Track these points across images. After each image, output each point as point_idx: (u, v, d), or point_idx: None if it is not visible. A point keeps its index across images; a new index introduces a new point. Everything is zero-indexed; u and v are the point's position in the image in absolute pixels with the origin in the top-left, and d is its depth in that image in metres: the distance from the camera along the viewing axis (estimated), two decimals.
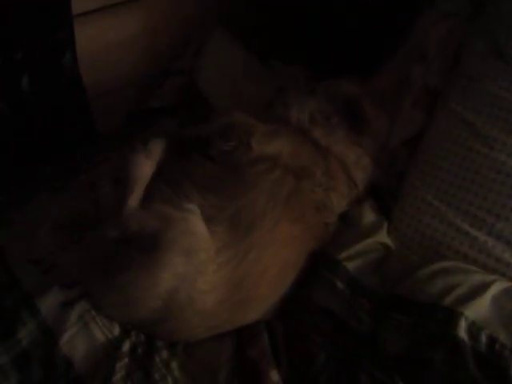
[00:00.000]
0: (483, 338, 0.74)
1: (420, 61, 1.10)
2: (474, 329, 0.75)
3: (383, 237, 0.94)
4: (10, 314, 0.81)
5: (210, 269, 0.79)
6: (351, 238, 0.92)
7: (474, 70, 0.99)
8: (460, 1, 1.08)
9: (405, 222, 0.96)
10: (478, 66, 0.99)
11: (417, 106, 1.08)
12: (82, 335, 0.79)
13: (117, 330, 0.81)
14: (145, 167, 0.87)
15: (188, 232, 0.79)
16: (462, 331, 0.75)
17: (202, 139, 0.95)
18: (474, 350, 0.73)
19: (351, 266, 0.88)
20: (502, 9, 0.98)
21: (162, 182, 0.88)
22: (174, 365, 0.79)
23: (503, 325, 0.76)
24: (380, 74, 1.20)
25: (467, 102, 0.97)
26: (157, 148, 0.89)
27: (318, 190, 0.92)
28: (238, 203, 0.85)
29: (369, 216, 0.97)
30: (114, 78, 1.31)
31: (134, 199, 0.84)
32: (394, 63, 1.18)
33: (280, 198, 0.87)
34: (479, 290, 0.79)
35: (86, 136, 1.16)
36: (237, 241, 0.82)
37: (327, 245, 0.92)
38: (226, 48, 1.36)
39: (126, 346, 0.80)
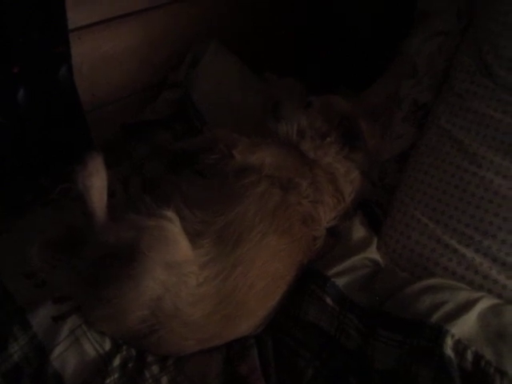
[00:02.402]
0: (469, 356, 0.76)
1: (410, 77, 1.13)
2: (461, 346, 0.76)
3: (373, 253, 0.95)
4: (1, 328, 0.82)
5: (195, 281, 0.80)
6: (341, 253, 0.94)
7: (462, 87, 1.01)
8: (450, 19, 1.10)
9: (394, 238, 0.97)
10: (466, 84, 1.01)
11: (407, 121, 1.10)
12: (73, 350, 0.80)
13: (108, 345, 0.83)
14: (91, 182, 0.86)
15: (164, 239, 0.80)
16: (449, 348, 0.76)
17: (189, 154, 0.97)
18: (460, 367, 0.75)
19: (340, 282, 0.89)
20: (489, 29, 1.00)
21: (150, 197, 0.89)
22: (164, 380, 0.81)
23: (489, 342, 0.77)
24: (371, 88, 1.23)
25: (456, 120, 1.00)
26: (95, 162, 0.87)
27: (304, 202, 0.94)
28: (226, 218, 0.87)
29: (359, 232, 0.98)
30: (112, 89, 1.33)
31: (98, 213, 0.85)
32: (385, 78, 1.21)
33: (267, 212, 0.89)
34: (466, 307, 0.81)
35: (82, 148, 1.18)
36: (224, 255, 0.84)
37: (316, 259, 0.93)
38: (221, 61, 1.38)
39: (117, 361, 0.81)
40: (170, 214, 0.83)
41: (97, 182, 0.86)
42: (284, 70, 1.51)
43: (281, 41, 1.65)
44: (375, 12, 1.41)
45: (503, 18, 0.98)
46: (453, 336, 0.76)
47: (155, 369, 0.82)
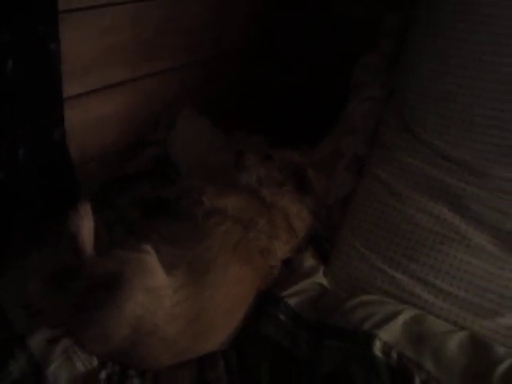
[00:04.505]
0: (394, 355, 0.92)
1: (350, 134, 1.35)
2: (387, 347, 0.93)
3: (320, 278, 1.13)
4: (2, 351, 0.95)
5: (169, 303, 0.95)
6: (293, 279, 1.11)
7: (388, 141, 1.23)
8: (377, 87, 1.35)
9: (338, 265, 1.15)
10: (391, 138, 1.22)
11: (349, 170, 1.32)
12: (65, 367, 0.92)
13: (95, 362, 0.95)
14: (81, 224, 1.01)
15: (143, 268, 0.95)
16: (377, 350, 0.92)
17: (166, 201, 1.16)
18: (387, 364, 0.91)
19: (292, 301, 1.05)
20: (408, 95, 1.24)
21: (132, 237, 1.06)
22: None
23: (410, 343, 0.94)
24: (321, 144, 1.45)
25: (384, 167, 1.20)
26: (84, 207, 1.04)
27: (262, 237, 1.11)
28: (195, 251, 1.03)
29: (309, 261, 1.16)
30: (98, 147, 1.49)
31: (87, 250, 1.00)
32: (331, 135, 1.43)
33: (230, 245, 1.06)
34: (392, 317, 0.98)
35: (71, 198, 1.34)
36: (193, 281, 0.99)
37: (272, 285, 1.10)
38: (193, 123, 1.59)
39: (103, 375, 0.93)
40: (148, 248, 0.99)
41: (86, 224, 1.03)
42: (254, 129, 1.73)
43: (253, 104, 1.87)
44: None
45: (417, 89, 1.22)
46: (380, 339, 0.93)
47: (136, 381, 0.94)
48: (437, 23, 1.20)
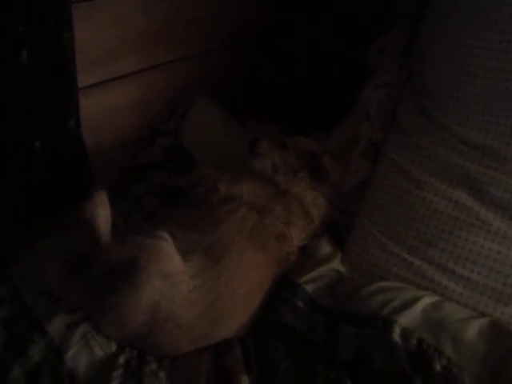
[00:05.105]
0: (413, 340, 0.91)
1: (366, 120, 1.34)
2: (407, 333, 0.92)
3: (337, 264, 1.12)
4: (22, 337, 0.96)
5: (186, 289, 0.95)
6: (310, 265, 1.10)
7: (406, 126, 1.21)
8: (393, 72, 1.33)
9: (355, 252, 1.14)
10: (408, 124, 1.20)
11: (364, 157, 1.30)
12: (84, 352, 0.94)
13: (114, 347, 0.96)
14: (97, 211, 1.02)
15: (159, 254, 0.95)
16: (397, 335, 0.91)
17: (182, 189, 1.16)
18: (407, 349, 0.90)
19: (309, 288, 1.05)
20: (425, 79, 1.22)
21: (148, 224, 1.06)
22: (162, 375, 0.94)
23: (430, 329, 0.93)
24: (336, 131, 1.44)
25: (402, 153, 1.18)
26: (100, 195, 1.04)
27: (277, 223, 1.11)
28: (211, 237, 1.03)
29: (325, 248, 1.15)
30: (112, 138, 1.50)
31: (104, 237, 1.00)
32: (346, 122, 1.41)
33: (245, 231, 1.05)
34: (411, 303, 0.97)
35: (86, 189, 1.35)
36: (210, 267, 0.99)
37: (289, 271, 1.10)
38: (207, 112, 1.59)
39: (121, 360, 0.94)
40: (164, 234, 0.99)
41: (102, 211, 1.03)
42: (265, 118, 1.72)
43: (263, 93, 1.86)
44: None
45: (434, 72, 1.20)
46: (400, 325, 0.92)
47: (154, 366, 0.95)
48: (454, 3, 1.17)
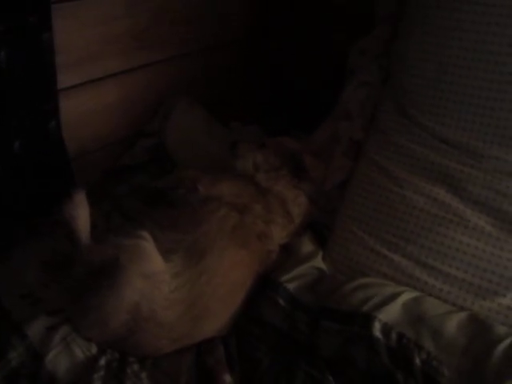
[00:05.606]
0: (394, 336, 0.92)
1: (346, 119, 1.35)
2: (387, 328, 0.92)
3: (318, 262, 1.12)
4: (1, 340, 0.94)
5: (167, 288, 0.95)
6: (292, 264, 1.11)
7: (385, 125, 1.22)
8: (374, 72, 1.34)
9: (336, 249, 1.15)
10: (387, 123, 1.22)
11: (345, 156, 1.31)
12: (65, 354, 0.92)
13: (94, 349, 0.95)
14: (76, 212, 1.01)
15: (140, 254, 0.95)
16: (377, 331, 0.92)
17: (163, 191, 1.16)
18: (387, 345, 0.91)
19: (291, 286, 1.05)
20: (404, 79, 1.24)
21: (130, 224, 1.06)
22: (144, 375, 0.93)
23: (410, 324, 0.93)
24: (317, 131, 1.45)
25: (381, 151, 1.20)
26: (79, 196, 1.03)
27: (258, 221, 1.11)
28: (192, 237, 1.03)
29: (307, 246, 1.16)
30: (94, 139, 1.49)
31: (83, 238, 1.00)
32: (327, 122, 1.42)
33: (226, 230, 1.06)
34: (391, 299, 0.98)
35: (67, 190, 1.34)
36: (191, 267, 0.98)
37: (271, 270, 1.10)
38: (190, 113, 1.59)
39: (103, 362, 0.93)
40: (145, 234, 0.98)
41: (81, 212, 1.02)
42: (250, 120, 1.73)
43: (247, 95, 1.88)
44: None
45: (412, 72, 1.22)
46: (380, 320, 0.93)
47: (136, 367, 0.94)
48: (434, 3, 1.19)
